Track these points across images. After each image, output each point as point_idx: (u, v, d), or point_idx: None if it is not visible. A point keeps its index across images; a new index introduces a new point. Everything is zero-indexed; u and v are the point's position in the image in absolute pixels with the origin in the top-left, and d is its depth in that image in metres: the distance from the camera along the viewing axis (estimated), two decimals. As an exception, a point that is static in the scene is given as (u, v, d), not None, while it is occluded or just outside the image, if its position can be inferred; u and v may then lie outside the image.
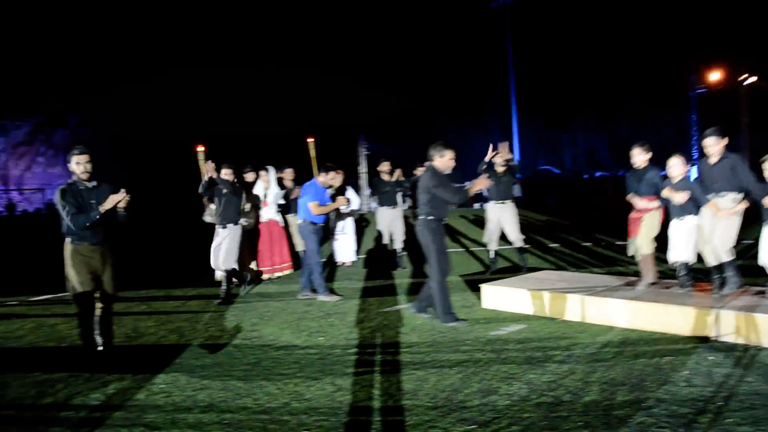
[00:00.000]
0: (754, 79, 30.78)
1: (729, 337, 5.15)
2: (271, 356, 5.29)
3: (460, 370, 4.68)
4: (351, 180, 9.99)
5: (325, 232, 9.34)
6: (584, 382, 4.32)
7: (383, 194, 10.39)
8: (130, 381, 4.70)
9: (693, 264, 6.16)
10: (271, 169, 9.59)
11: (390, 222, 10.32)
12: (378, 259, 11.41)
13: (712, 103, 32.48)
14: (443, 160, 6.22)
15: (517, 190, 9.08)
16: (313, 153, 9.56)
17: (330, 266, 10.58)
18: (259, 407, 4.09)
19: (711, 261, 6.01)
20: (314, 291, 7.84)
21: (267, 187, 9.44)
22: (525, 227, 10.59)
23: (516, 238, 9.19)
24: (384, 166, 10.45)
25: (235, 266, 7.97)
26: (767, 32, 35.43)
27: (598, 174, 39.10)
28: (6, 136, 43.23)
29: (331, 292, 7.95)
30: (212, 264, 8.12)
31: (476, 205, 29.65)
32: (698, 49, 35.45)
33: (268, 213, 9.53)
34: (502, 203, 9.13)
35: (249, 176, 9.29)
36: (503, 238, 9.39)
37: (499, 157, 8.80)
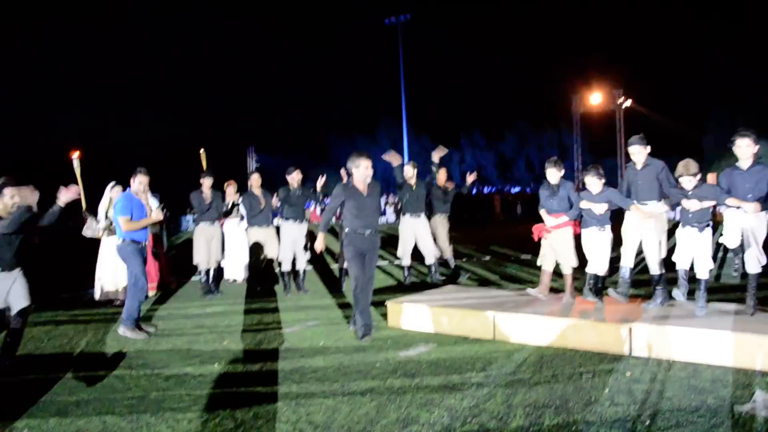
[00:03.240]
0: (629, 102, 32.83)
1: (642, 351, 5.07)
2: (160, 387, 4.63)
3: (373, 398, 4.25)
4: (243, 191, 9.28)
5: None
6: (507, 405, 4.02)
7: (292, 206, 9.01)
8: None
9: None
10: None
11: (296, 238, 8.94)
12: (272, 277, 10.70)
13: (591, 123, 34.37)
14: (359, 171, 5.96)
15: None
16: (205, 164, 9.05)
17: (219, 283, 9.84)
18: (142, 452, 3.47)
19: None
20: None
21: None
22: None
23: (428, 252, 8.93)
24: (295, 174, 9.01)
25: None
26: (644, 59, 38.00)
27: (486, 190, 40.16)
28: None
29: (139, 328, 6.43)
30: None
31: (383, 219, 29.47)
32: (580, 72, 37.38)
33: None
34: (417, 216, 8.86)
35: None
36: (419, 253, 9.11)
37: (435, 154, 8.57)
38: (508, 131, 54.12)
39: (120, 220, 6.33)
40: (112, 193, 8.54)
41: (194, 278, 10.27)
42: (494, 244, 15.46)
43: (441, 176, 9.21)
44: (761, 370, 4.54)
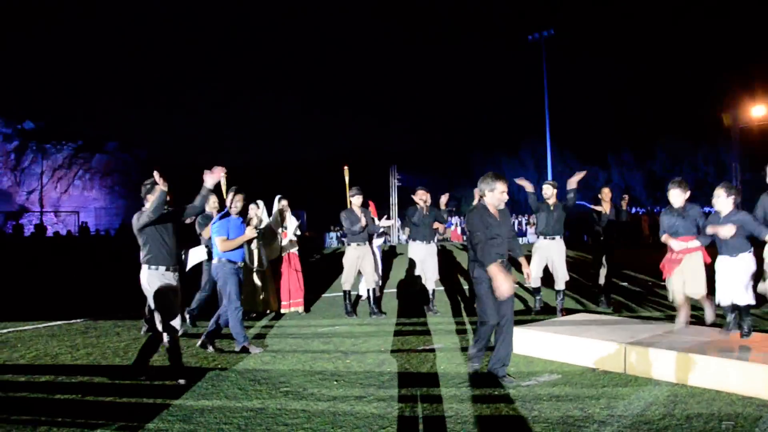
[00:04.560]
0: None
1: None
2: (279, 401, 4.81)
3: (493, 428, 4.13)
4: (383, 211, 9.24)
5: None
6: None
7: (418, 227, 9.02)
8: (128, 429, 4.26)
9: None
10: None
11: (424, 258, 8.99)
12: (407, 295, 10.78)
13: (753, 138, 31.49)
14: (494, 195, 5.39)
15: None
16: (348, 181, 9.21)
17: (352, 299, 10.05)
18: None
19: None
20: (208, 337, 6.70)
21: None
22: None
23: (560, 277, 8.58)
24: (421, 195, 8.97)
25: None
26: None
27: (633, 210, 38.00)
28: (46, 160, 43.97)
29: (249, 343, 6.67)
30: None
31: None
32: (740, 82, 34.51)
33: (289, 246, 9.18)
34: (552, 239, 8.58)
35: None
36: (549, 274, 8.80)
37: (572, 180, 8.26)
38: (660, 148, 51.10)
39: (216, 240, 6.49)
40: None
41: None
42: (636, 270, 14.55)
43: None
44: None
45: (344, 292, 8.96)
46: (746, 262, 5.58)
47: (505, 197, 5.43)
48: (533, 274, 8.54)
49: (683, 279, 5.97)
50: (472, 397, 4.81)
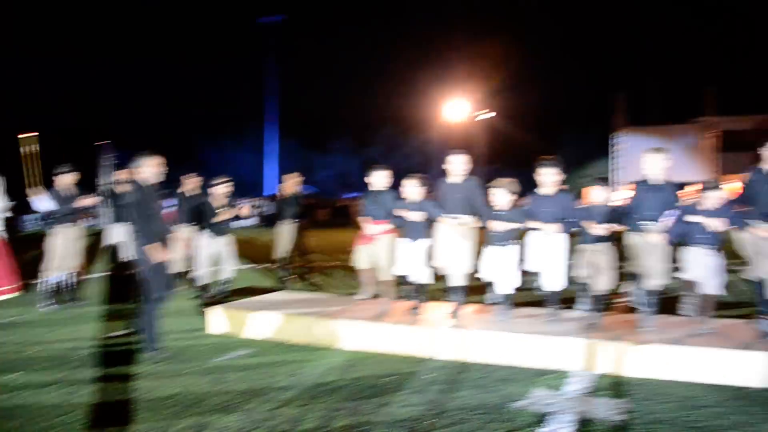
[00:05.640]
0: (489, 114, 34.67)
1: (446, 354, 5.41)
2: None
3: (174, 403, 4.25)
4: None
5: None
6: (304, 409, 4.16)
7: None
8: None
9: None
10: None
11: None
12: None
13: (454, 134, 35.83)
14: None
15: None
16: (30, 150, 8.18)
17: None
18: None
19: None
20: None
21: None
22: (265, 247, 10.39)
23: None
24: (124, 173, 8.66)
25: None
26: (501, 76, 40.11)
27: (348, 195, 40.59)
28: None
29: None
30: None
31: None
32: (444, 84, 38.79)
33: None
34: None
35: None
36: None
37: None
38: (376, 137, 55.02)
39: None
40: None
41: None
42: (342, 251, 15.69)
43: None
44: (543, 368, 5.01)
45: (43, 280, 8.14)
46: (424, 242, 6.26)
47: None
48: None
49: (374, 259, 6.62)
50: (165, 374, 4.89)
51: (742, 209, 5.50)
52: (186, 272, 8.54)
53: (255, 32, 46.68)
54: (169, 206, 8.84)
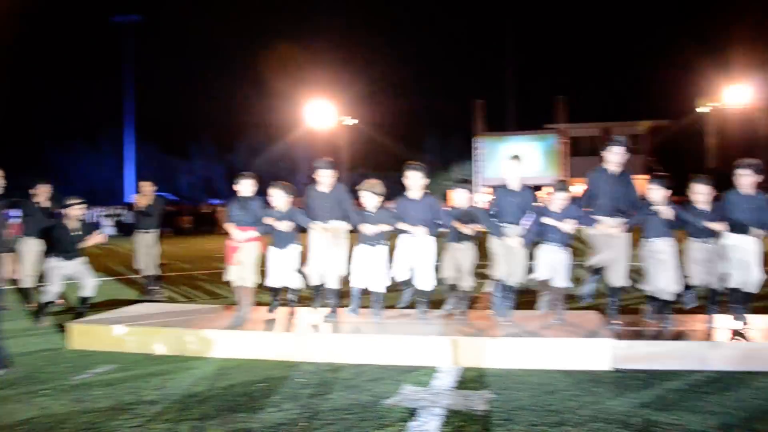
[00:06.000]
0: (355, 121, 35.17)
1: (317, 357, 5.47)
2: None
3: (30, 428, 3.98)
4: None
5: None
6: (175, 421, 4.05)
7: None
8: None
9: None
10: None
11: None
12: None
13: (319, 139, 35.94)
14: None
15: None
16: None
17: None
18: None
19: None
20: None
21: None
22: (123, 258, 9.91)
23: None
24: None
25: None
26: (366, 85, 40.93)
27: (213, 202, 39.43)
28: None
29: None
30: None
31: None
32: (309, 89, 38.72)
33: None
34: None
35: None
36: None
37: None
38: (240, 142, 53.78)
39: None
40: None
41: None
42: (208, 259, 15.32)
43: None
44: (413, 365, 5.21)
45: None
46: (293, 249, 6.41)
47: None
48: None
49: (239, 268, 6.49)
50: (17, 394, 4.55)
51: (587, 208, 6.04)
52: (36, 288, 7.96)
53: (110, 31, 44.20)
54: (13, 218, 8.23)
